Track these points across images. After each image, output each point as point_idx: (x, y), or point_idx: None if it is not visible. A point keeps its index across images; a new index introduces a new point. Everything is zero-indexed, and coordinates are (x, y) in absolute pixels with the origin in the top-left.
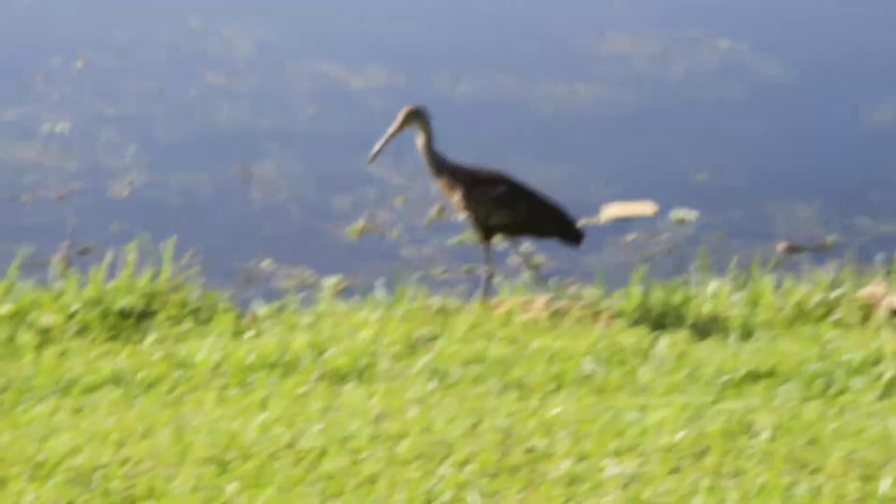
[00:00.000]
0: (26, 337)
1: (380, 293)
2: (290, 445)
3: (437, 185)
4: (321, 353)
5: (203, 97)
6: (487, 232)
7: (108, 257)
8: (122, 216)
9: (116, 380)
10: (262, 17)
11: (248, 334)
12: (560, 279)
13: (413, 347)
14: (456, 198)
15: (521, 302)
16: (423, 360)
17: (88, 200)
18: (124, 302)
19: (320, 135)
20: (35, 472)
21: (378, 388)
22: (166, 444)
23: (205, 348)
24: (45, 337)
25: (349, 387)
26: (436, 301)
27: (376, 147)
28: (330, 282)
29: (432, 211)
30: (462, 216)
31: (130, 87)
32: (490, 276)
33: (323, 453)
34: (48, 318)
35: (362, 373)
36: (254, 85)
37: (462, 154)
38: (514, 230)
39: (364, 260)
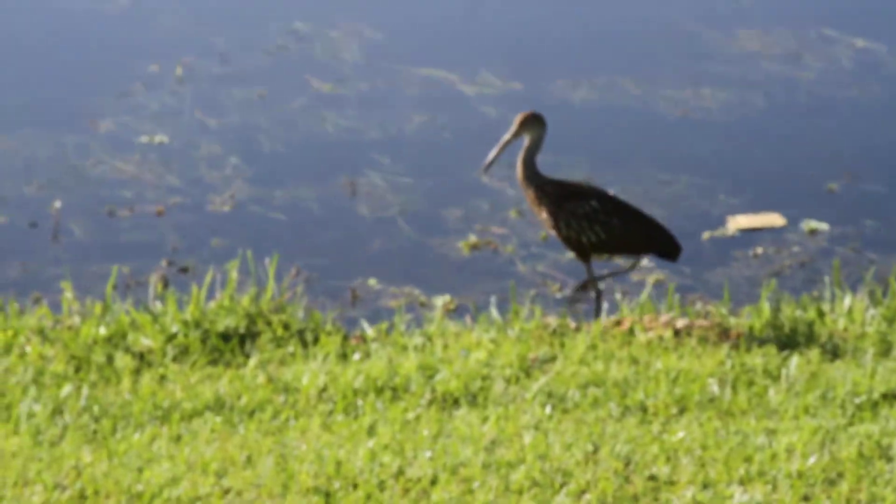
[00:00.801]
0: (124, 361)
1: (493, 312)
2: (399, 474)
3: (525, 196)
4: (431, 376)
5: (308, 106)
6: (580, 249)
7: (209, 276)
8: (224, 232)
9: (217, 406)
10: (370, 20)
11: (355, 357)
12: (684, 295)
13: (528, 370)
14: (544, 214)
15: (643, 320)
16: (538, 382)
17: (188, 216)
18: (226, 323)
19: (431, 145)
20: (132, 502)
21: (491, 412)
22: (269, 474)
23: (310, 372)
24: (143, 361)
25: (461, 411)
26: (552, 320)
27: (491, 155)
28: (440, 301)
29: None
30: (554, 233)
31: (232, 96)
32: (597, 295)
33: (433, 482)
34: (146, 341)
35: (475, 397)
36: (362, 92)
37: (582, 162)
38: (609, 247)
39: (476, 277)
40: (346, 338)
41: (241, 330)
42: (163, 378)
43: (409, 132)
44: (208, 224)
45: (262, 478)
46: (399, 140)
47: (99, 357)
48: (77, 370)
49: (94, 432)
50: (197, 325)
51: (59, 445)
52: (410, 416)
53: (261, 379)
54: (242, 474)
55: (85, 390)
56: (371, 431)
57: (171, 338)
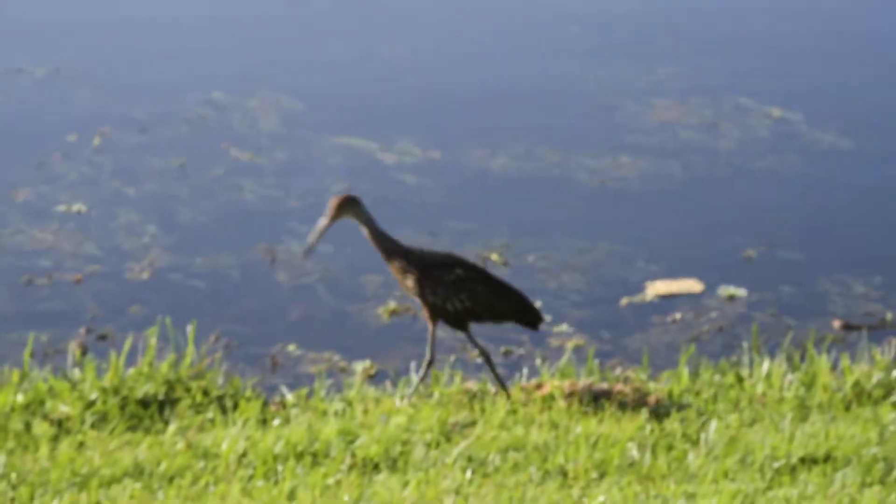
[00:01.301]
0: (42, 428)
1: (413, 378)
2: None
3: (390, 269)
4: (352, 441)
5: (227, 174)
6: (445, 316)
7: (128, 343)
8: (142, 300)
9: (136, 472)
10: (288, 90)
11: (275, 422)
12: (603, 361)
13: (448, 434)
14: (409, 282)
15: (563, 384)
16: (459, 447)
17: (106, 284)
18: (145, 390)
19: None
20: None
21: (412, 477)
22: None
23: (229, 437)
24: (62, 428)
25: (382, 476)
26: (472, 385)
27: (310, 240)
28: (360, 366)
29: None
30: (420, 301)
31: (151, 165)
32: (428, 364)
33: None
34: (64, 409)
35: (395, 461)
36: (280, 161)
37: (501, 230)
38: (473, 314)
39: (395, 343)
40: (265, 404)
41: (161, 396)
42: (81, 445)
43: (328, 201)
44: (127, 292)
45: None
46: (318, 208)
47: (16, 424)
48: None
49: (12, 500)
50: (116, 391)
51: None
52: (331, 481)
53: (180, 445)
54: None
55: (2, 458)
56: (291, 496)
57: (89, 405)
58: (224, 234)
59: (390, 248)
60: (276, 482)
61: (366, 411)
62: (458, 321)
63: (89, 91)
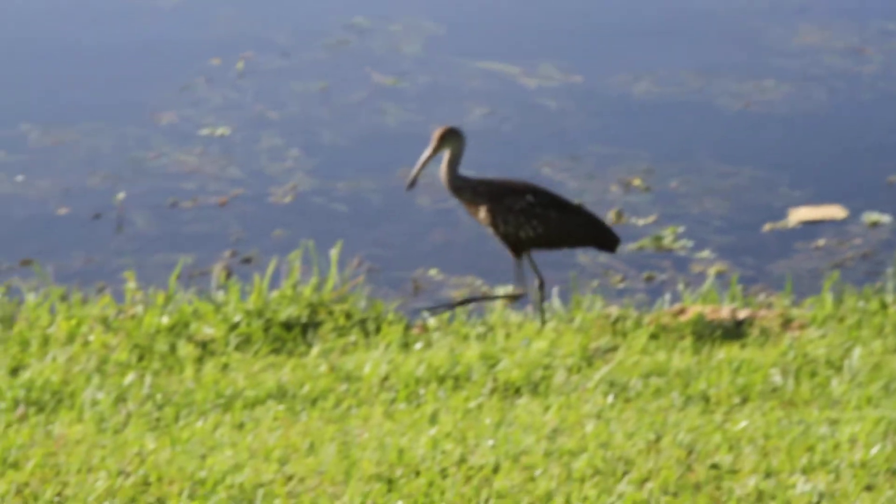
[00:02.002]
0: (186, 349)
1: (554, 303)
2: (461, 462)
3: (461, 203)
4: (493, 365)
5: (369, 99)
6: (518, 246)
7: (271, 266)
8: (286, 223)
9: (280, 394)
10: (430, 14)
11: (417, 346)
12: (746, 287)
13: (590, 359)
14: (482, 214)
15: (705, 310)
16: (600, 372)
17: (250, 207)
18: (288, 313)
19: (492, 137)
20: (196, 489)
21: (553, 401)
22: (332, 461)
23: (372, 361)
24: (206, 349)
25: (523, 400)
26: (613, 310)
27: (413, 173)
28: (502, 291)
29: (610, 215)
30: (492, 231)
31: (293, 89)
32: (540, 287)
33: (496, 470)
34: (209, 331)
35: (537, 386)
36: (422, 85)
37: (643, 155)
38: (547, 242)
39: (539, 268)
40: (407, 327)
41: (304, 319)
42: (225, 366)
43: (470, 125)
44: (270, 215)
45: (324, 465)
46: None
47: (162, 346)
48: (140, 359)
49: (157, 420)
50: (259, 314)
51: (122, 433)
52: (472, 404)
53: (323, 367)
54: (305, 461)
55: (148, 378)
56: (433, 420)
57: (233, 327)
58: (366, 158)
59: (459, 184)
60: (418, 405)
61: (507, 336)
62: (525, 248)
63: (231, 15)
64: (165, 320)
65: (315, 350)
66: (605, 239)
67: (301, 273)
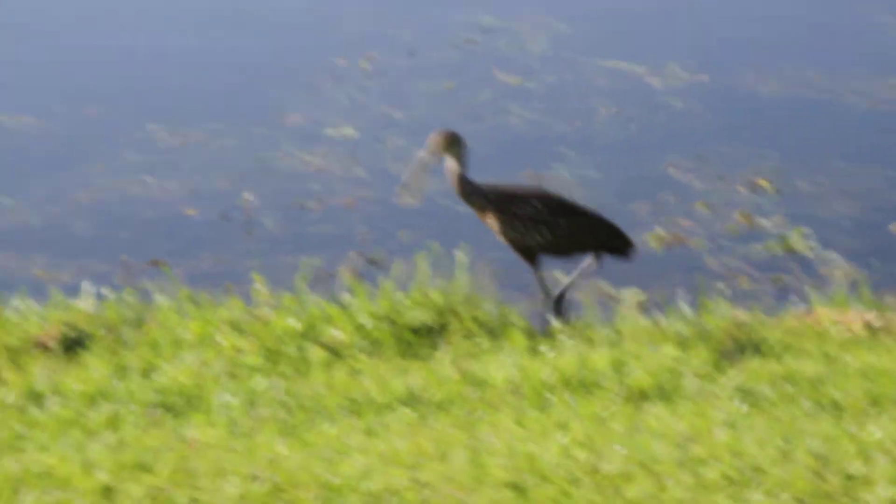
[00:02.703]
0: (315, 353)
1: (682, 306)
2: (591, 469)
3: (471, 209)
4: (622, 371)
5: (495, 99)
6: (528, 253)
7: (398, 268)
8: (412, 225)
9: (410, 399)
10: (557, 13)
11: (546, 351)
12: (874, 290)
13: (720, 365)
14: (491, 220)
15: (836, 315)
16: (730, 378)
17: (376, 208)
18: (416, 316)
19: (618, 137)
20: (327, 495)
21: (684, 408)
22: (462, 467)
23: (501, 366)
24: (335, 353)
25: (652, 407)
26: (741, 315)
27: (405, 178)
28: (629, 294)
29: (736, 217)
30: (503, 238)
31: (419, 89)
32: (558, 301)
33: (626, 478)
34: (337, 334)
35: (667, 392)
36: (548, 85)
37: (770, 155)
38: (556, 248)
39: (664, 271)
40: (535, 332)
41: (432, 323)
42: (355, 371)
43: (596, 125)
44: (396, 216)
45: (455, 471)
46: (586, 133)
47: (291, 349)
48: (270, 362)
49: (288, 424)
50: (388, 317)
51: (253, 437)
52: (602, 411)
53: (452, 372)
54: (435, 467)
55: (278, 382)
56: (563, 426)
57: (361, 330)
58: (492, 159)
59: (469, 189)
60: (548, 412)
61: (636, 341)
62: (535, 255)
63: (357, 14)
64: (294, 323)
65: (444, 354)
66: (618, 244)
67: (428, 276)
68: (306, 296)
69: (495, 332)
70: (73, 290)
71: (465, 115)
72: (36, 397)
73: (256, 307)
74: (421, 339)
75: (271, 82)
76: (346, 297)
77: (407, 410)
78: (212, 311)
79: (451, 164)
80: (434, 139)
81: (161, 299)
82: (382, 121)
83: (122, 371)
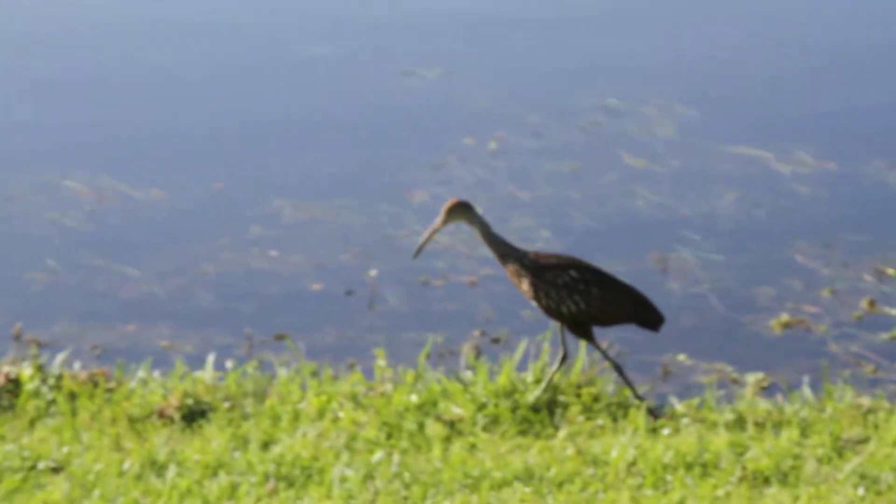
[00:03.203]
0: (434, 429)
1: (805, 391)
2: None
3: (506, 272)
4: (742, 453)
5: (621, 181)
6: (562, 320)
7: (521, 347)
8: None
9: (527, 476)
10: (683, 97)
11: (665, 432)
12: None
13: (841, 450)
14: (524, 286)
15: None
16: (851, 463)
17: (500, 287)
18: (535, 395)
19: (744, 222)
20: None
21: (803, 492)
22: None
23: (619, 445)
24: (454, 429)
25: (772, 490)
26: (865, 401)
27: (420, 241)
28: (752, 378)
29: (862, 303)
30: (535, 304)
31: (545, 169)
32: (562, 361)
33: None
34: (457, 410)
35: (786, 475)
36: (674, 168)
37: None
38: (588, 317)
39: (788, 356)
40: (654, 412)
41: (551, 401)
42: (473, 447)
43: (722, 209)
44: (520, 295)
45: None
46: (711, 217)
47: (410, 424)
48: (388, 436)
49: (405, 499)
50: (507, 395)
51: None
52: (720, 492)
53: (570, 451)
54: None
55: (396, 457)
56: None
57: (481, 407)
58: (617, 241)
59: (505, 251)
60: (666, 492)
61: (757, 424)
62: (576, 325)
63: (483, 94)
64: (414, 399)
65: (562, 432)
66: (649, 317)
67: (549, 355)
68: (427, 372)
69: (614, 411)
70: (196, 361)
71: (591, 196)
72: (156, 466)
73: (377, 382)
74: (540, 417)
75: (398, 160)
76: (466, 374)
77: (524, 487)
78: (332, 385)
79: (478, 231)
80: (443, 207)
81: (283, 372)
82: (508, 200)
83: (241, 442)
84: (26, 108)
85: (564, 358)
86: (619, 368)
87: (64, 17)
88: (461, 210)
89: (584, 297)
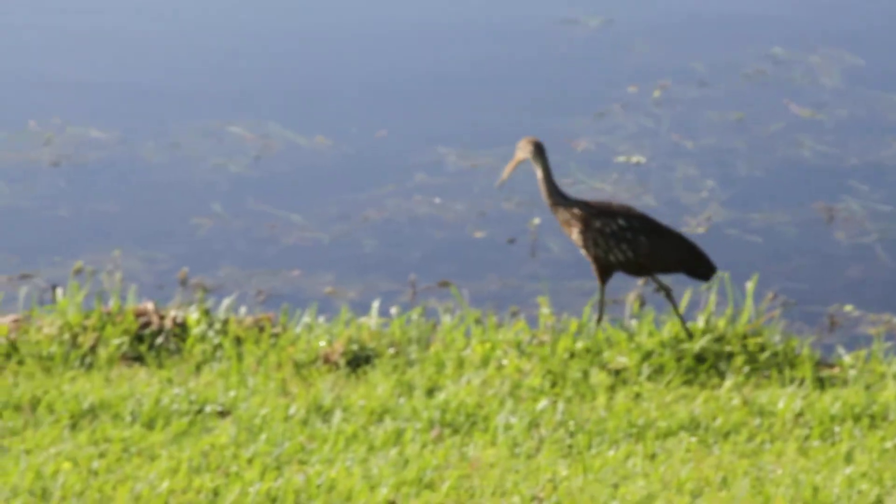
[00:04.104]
0: (599, 377)
1: None
2: (877, 502)
3: (556, 219)
4: None
5: (786, 130)
6: (606, 268)
7: (686, 297)
8: None
9: (692, 426)
10: (850, 46)
11: (832, 383)
12: None
13: None
14: (574, 233)
15: None
16: None
17: None
18: (701, 344)
19: None
20: None
21: None
22: (745, 496)
23: (786, 396)
24: (618, 378)
25: None
26: None
27: (504, 174)
28: None
29: None
30: (584, 252)
31: (709, 119)
32: (599, 318)
33: None
34: (622, 359)
35: None
36: (840, 118)
37: None
38: (636, 266)
39: None
40: (821, 364)
41: (717, 351)
42: (637, 396)
43: (889, 159)
44: None
45: (737, 500)
46: (878, 167)
47: (574, 372)
48: (552, 385)
49: (570, 447)
50: (673, 344)
51: (535, 458)
52: (888, 444)
53: (736, 401)
54: (718, 495)
55: (560, 405)
56: (848, 458)
57: (646, 356)
58: (781, 191)
59: (558, 199)
60: (833, 443)
61: None
62: (619, 270)
63: (645, 43)
64: (579, 347)
65: (728, 383)
66: (700, 266)
67: (715, 304)
68: (591, 321)
69: (781, 362)
70: (360, 307)
71: (755, 145)
72: (321, 412)
73: (540, 330)
74: (706, 367)
75: (561, 108)
76: (631, 323)
77: (689, 437)
78: (496, 333)
79: (539, 173)
80: (523, 144)
81: (447, 319)
82: (672, 149)
83: (406, 388)
84: (190, 55)
85: (669, 292)
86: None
87: None
88: (533, 146)
89: (632, 246)
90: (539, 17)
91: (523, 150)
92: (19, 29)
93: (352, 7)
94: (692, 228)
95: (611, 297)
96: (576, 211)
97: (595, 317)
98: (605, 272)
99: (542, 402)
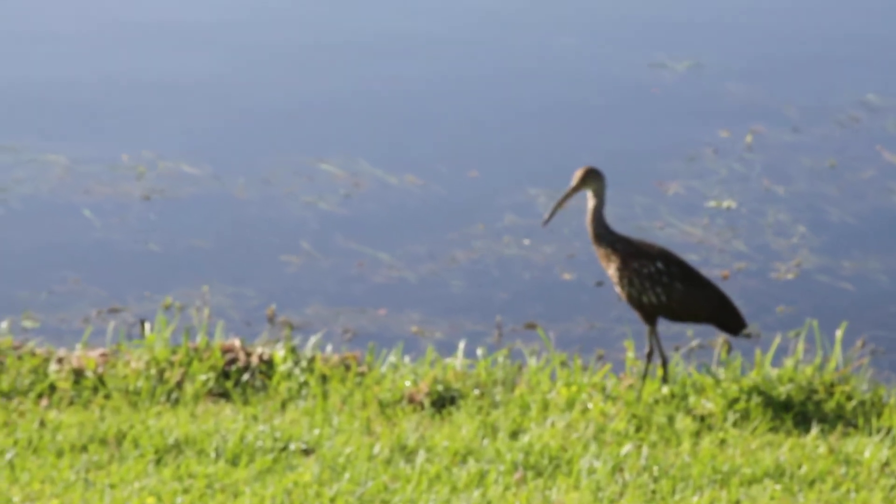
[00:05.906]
0: (684, 422)
1: None
2: None
3: (596, 253)
4: None
5: (879, 177)
6: (639, 309)
7: (775, 343)
8: (788, 300)
9: (777, 473)
10: None
11: None
12: None
13: None
14: (611, 269)
15: None
16: None
17: (753, 281)
18: (787, 391)
19: None
20: None
21: None
22: None
23: (872, 445)
24: (704, 423)
25: None
26: None
27: (551, 208)
28: None
29: None
30: (619, 290)
31: (802, 164)
32: (648, 359)
33: None
34: (707, 404)
35: None
36: None
37: None
38: (669, 312)
39: None
40: None
41: (803, 399)
42: (723, 442)
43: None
44: (772, 290)
45: None
46: None
47: (660, 417)
48: (637, 429)
49: (653, 492)
50: (759, 391)
51: (618, 503)
52: None
53: (822, 449)
54: None
55: (645, 450)
56: None
57: (732, 402)
58: (873, 238)
59: (602, 232)
60: None
61: None
62: (651, 315)
63: (735, 86)
64: (665, 392)
65: (814, 430)
66: (729, 319)
67: (803, 352)
68: (678, 366)
69: (868, 411)
70: (446, 348)
71: (847, 192)
72: (405, 452)
73: (626, 374)
74: (792, 413)
75: (652, 151)
76: (718, 369)
77: (774, 484)
78: (582, 376)
79: (592, 202)
80: (576, 173)
81: (533, 361)
82: (763, 194)
83: (490, 430)
84: (284, 93)
85: (653, 357)
86: (664, 364)
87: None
88: (595, 177)
89: (667, 291)
90: (626, 61)
91: (584, 181)
92: (114, 65)
93: (447, 53)
94: (781, 274)
95: (699, 343)
96: (617, 247)
97: (653, 360)
98: (642, 313)
99: (627, 447)
